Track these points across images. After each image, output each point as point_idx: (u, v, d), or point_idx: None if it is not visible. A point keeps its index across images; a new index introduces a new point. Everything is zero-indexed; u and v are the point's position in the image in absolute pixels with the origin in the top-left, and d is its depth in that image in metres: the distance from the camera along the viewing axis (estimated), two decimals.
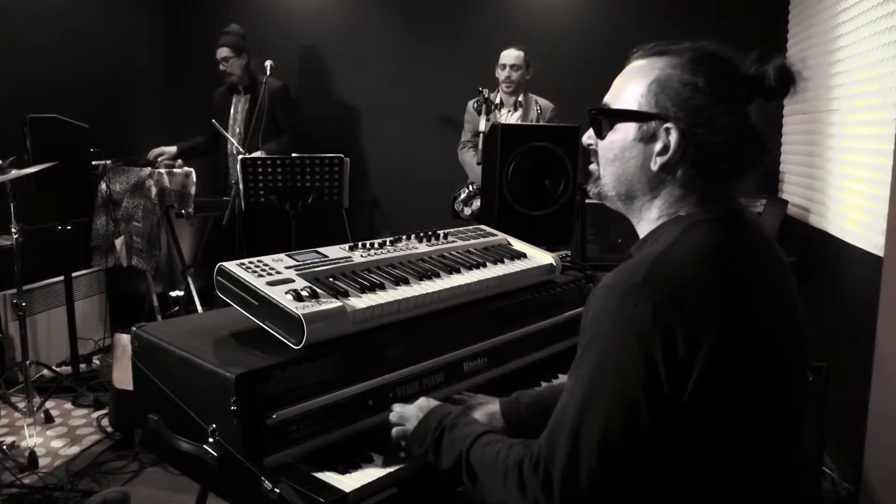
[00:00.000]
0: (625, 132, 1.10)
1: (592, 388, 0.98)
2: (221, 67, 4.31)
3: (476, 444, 1.17)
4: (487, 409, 1.46)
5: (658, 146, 1.07)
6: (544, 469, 1.00)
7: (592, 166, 1.19)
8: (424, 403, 1.33)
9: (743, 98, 1.05)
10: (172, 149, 4.24)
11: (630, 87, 1.10)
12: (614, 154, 1.13)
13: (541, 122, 4.00)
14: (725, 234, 1.04)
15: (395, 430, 1.33)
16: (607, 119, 1.13)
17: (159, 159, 4.14)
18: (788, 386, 1.07)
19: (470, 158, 4.13)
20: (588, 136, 1.17)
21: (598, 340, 1.00)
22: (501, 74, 4.04)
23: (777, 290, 1.08)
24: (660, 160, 1.07)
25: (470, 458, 1.16)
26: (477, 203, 4.02)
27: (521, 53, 4.01)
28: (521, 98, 4.07)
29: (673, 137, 1.05)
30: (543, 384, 1.71)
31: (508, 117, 4.07)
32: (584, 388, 0.99)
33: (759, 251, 1.09)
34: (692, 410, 0.95)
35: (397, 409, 1.36)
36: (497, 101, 4.07)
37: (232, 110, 4.40)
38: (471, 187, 4.09)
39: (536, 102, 4.05)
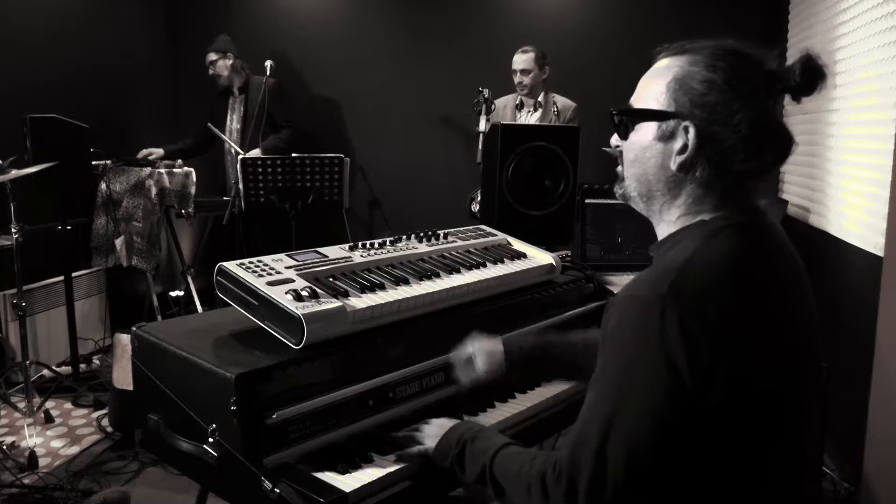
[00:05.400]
0: (645, 132, 1.09)
1: (617, 401, 0.97)
2: (210, 72, 4.38)
3: (498, 456, 1.16)
4: (488, 347, 1.52)
5: (677, 145, 1.06)
6: (568, 481, 0.99)
7: (618, 168, 1.18)
8: (444, 422, 1.34)
9: (764, 94, 1.03)
10: (160, 151, 4.26)
11: (651, 87, 1.09)
12: (635, 154, 1.12)
13: (558, 123, 3.99)
14: (746, 241, 1.04)
15: (413, 449, 1.32)
16: (629, 119, 1.12)
17: (148, 159, 4.15)
18: (804, 389, 1.07)
19: None
20: (615, 138, 1.17)
21: (621, 352, 0.99)
22: (514, 79, 4.05)
23: (794, 295, 1.08)
24: (678, 159, 1.06)
25: (493, 471, 1.16)
26: None
27: (529, 56, 4.01)
28: (541, 98, 4.07)
29: (691, 135, 1.04)
30: (544, 384, 1.71)
31: (528, 118, 4.08)
32: (609, 400, 0.98)
33: (779, 257, 1.08)
34: (716, 419, 0.95)
35: (414, 430, 1.36)
36: (517, 102, 4.10)
37: (229, 111, 4.44)
38: None
39: (554, 103, 4.05)
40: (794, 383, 1.05)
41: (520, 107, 4.09)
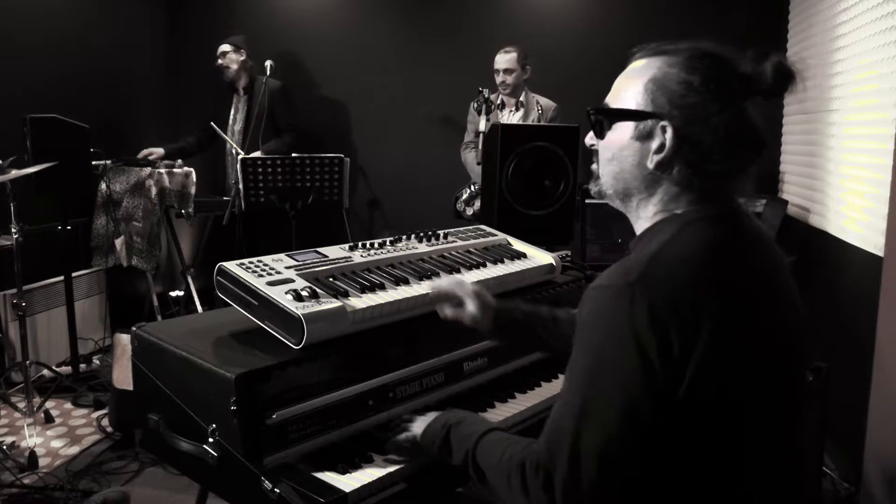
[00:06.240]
0: (623, 131, 1.11)
1: (590, 390, 0.98)
2: (219, 62, 4.35)
3: (481, 442, 1.17)
4: (486, 298, 1.50)
5: (654, 144, 1.07)
6: (545, 473, 1.00)
7: (593, 166, 1.20)
8: (433, 413, 1.34)
9: (739, 96, 1.05)
10: (160, 150, 4.26)
11: (628, 87, 1.11)
12: (612, 153, 1.13)
13: (542, 122, 4.02)
14: (720, 232, 1.05)
15: (401, 437, 1.33)
16: (606, 119, 1.14)
17: (149, 159, 4.15)
18: (785, 385, 1.07)
19: (472, 159, 4.15)
20: (590, 137, 1.18)
21: (593, 341, 1.00)
22: (497, 79, 4.07)
23: (773, 288, 1.08)
24: (656, 158, 1.07)
25: (476, 457, 1.17)
26: (479, 203, 4.04)
27: (512, 56, 4.03)
28: (522, 98, 4.09)
29: (668, 135, 1.05)
30: (543, 384, 1.71)
31: (510, 118, 4.09)
32: (582, 389, 0.99)
33: (755, 250, 1.09)
34: (688, 410, 0.95)
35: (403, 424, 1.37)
36: (498, 102, 4.10)
37: (232, 111, 4.44)
38: (472, 187, 4.10)
39: (538, 102, 4.07)
40: (774, 379, 1.04)
41: (501, 106, 4.09)
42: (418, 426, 1.32)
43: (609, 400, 0.96)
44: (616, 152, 1.12)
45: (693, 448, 0.98)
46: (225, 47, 4.35)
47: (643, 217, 1.14)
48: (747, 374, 1.00)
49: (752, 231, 1.10)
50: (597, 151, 1.18)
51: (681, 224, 1.06)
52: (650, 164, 1.08)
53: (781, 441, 1.08)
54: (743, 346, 0.99)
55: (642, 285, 0.97)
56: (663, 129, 1.06)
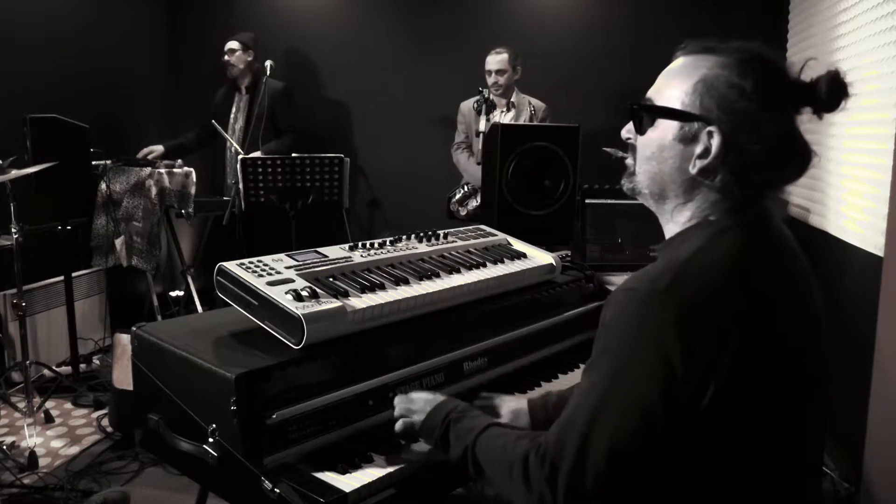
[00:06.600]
0: (665, 130, 1.06)
1: (607, 393, 0.97)
2: (225, 58, 4.34)
3: (481, 437, 1.16)
4: (513, 406, 1.48)
5: (699, 149, 1.03)
6: (551, 464, 0.98)
7: (629, 160, 1.15)
8: (431, 397, 1.32)
9: (791, 106, 1.02)
10: (160, 148, 4.25)
11: (674, 85, 1.06)
12: (651, 152, 1.09)
13: (534, 122, 4.03)
14: (751, 242, 1.02)
15: (400, 423, 1.31)
16: (648, 115, 1.09)
17: (148, 157, 4.14)
18: (809, 396, 1.06)
19: (464, 160, 4.16)
20: (627, 130, 1.14)
21: (616, 344, 0.98)
22: (489, 80, 4.08)
23: (801, 299, 1.07)
24: (699, 163, 1.03)
25: (476, 451, 1.15)
26: (472, 203, 4.05)
27: (503, 57, 4.04)
28: (513, 98, 4.10)
29: (715, 141, 1.01)
30: (544, 384, 1.71)
31: (502, 118, 4.09)
32: (600, 391, 0.97)
33: (785, 260, 1.07)
34: (708, 420, 0.94)
35: (401, 401, 1.34)
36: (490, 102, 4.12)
37: (234, 109, 4.43)
38: (465, 188, 4.11)
39: (530, 103, 4.08)
40: (795, 389, 1.04)
41: (492, 107, 4.09)
42: (419, 415, 1.28)
43: (627, 405, 0.95)
44: (656, 151, 1.08)
45: (713, 456, 0.97)
46: (233, 44, 4.33)
47: (675, 221, 1.10)
48: (771, 385, 0.99)
49: (782, 240, 1.08)
50: (633, 147, 1.14)
51: (714, 231, 1.03)
52: (692, 169, 1.04)
53: (798, 447, 1.07)
54: (768, 357, 0.98)
55: (671, 293, 0.95)
56: (710, 135, 1.02)
